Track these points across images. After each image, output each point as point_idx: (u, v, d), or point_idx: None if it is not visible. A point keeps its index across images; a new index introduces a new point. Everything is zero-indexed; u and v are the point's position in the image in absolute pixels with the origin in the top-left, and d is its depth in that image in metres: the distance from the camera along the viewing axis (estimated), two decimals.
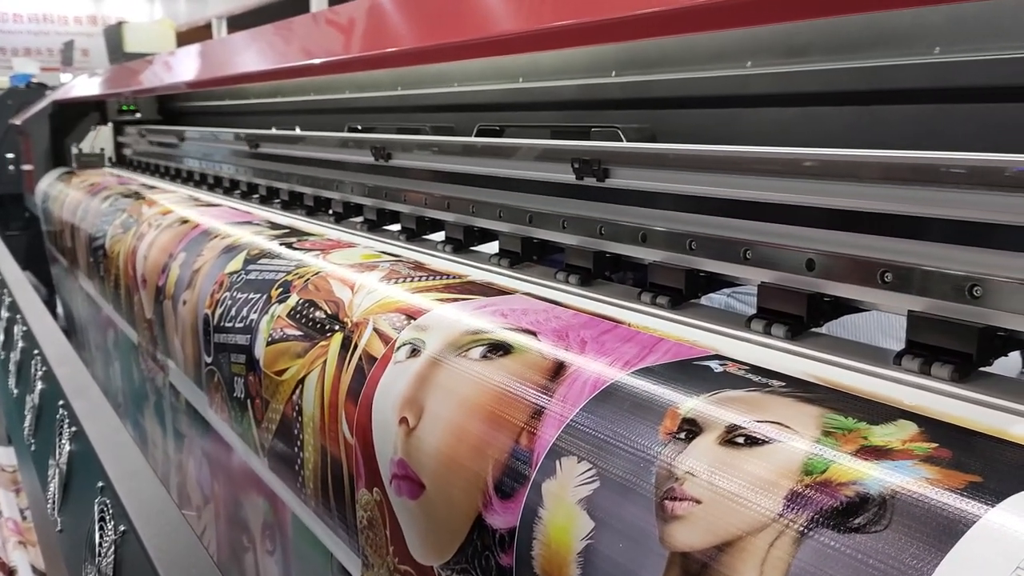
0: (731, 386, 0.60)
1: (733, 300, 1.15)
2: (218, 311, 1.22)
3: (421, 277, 1.01)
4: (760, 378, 0.61)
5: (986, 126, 0.82)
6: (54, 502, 1.15)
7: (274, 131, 1.98)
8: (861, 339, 1.03)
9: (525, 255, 1.10)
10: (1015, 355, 0.64)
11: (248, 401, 1.11)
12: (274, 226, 1.52)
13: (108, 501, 0.89)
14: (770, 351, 0.72)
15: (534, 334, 0.75)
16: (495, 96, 1.54)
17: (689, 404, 0.58)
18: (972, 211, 0.62)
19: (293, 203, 1.82)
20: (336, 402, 0.88)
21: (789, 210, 0.76)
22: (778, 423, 0.53)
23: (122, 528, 0.83)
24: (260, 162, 1.98)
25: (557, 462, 0.61)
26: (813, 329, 0.74)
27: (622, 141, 1.06)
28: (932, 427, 0.51)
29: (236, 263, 1.29)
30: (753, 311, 0.78)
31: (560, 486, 0.60)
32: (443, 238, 1.26)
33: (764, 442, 0.52)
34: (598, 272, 0.98)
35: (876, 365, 0.66)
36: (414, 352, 0.81)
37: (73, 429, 1.12)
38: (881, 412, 0.54)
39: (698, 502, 0.51)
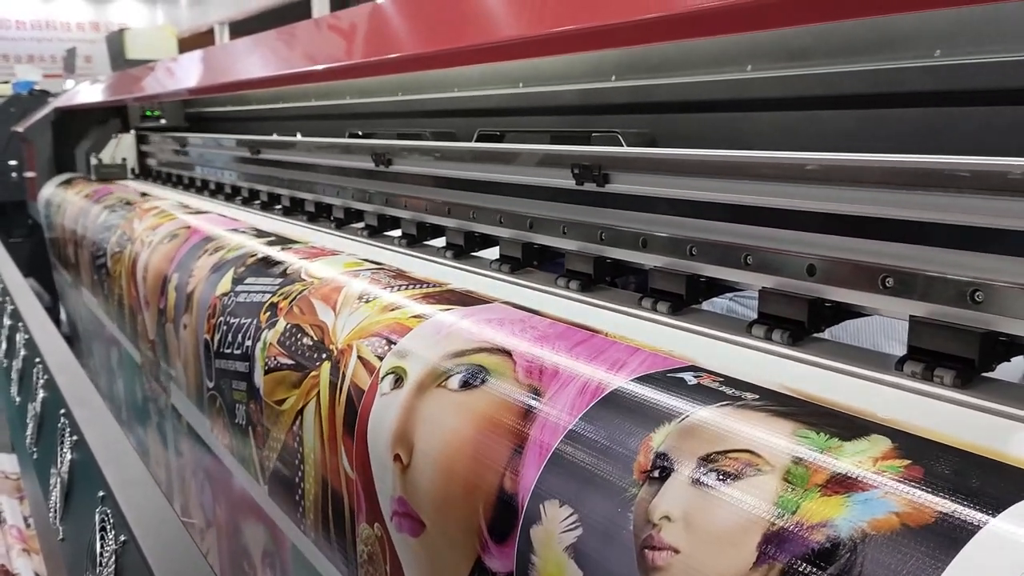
0: (703, 402, 0.59)
1: (735, 304, 1.15)
2: (216, 336, 1.22)
3: (401, 287, 1.00)
4: (734, 391, 0.60)
5: (988, 129, 0.81)
6: (56, 511, 1.14)
7: (275, 137, 1.98)
8: (863, 341, 1.03)
9: (526, 261, 1.09)
10: (1018, 360, 0.63)
11: (249, 428, 1.11)
12: (258, 234, 1.51)
13: (109, 510, 0.89)
14: (771, 357, 0.71)
15: (509, 353, 0.75)
16: (495, 101, 1.54)
17: (661, 433, 0.57)
18: (974, 216, 0.61)
19: (295, 209, 1.82)
20: (335, 435, 0.87)
21: (790, 215, 0.75)
22: (749, 451, 0.52)
23: (122, 538, 0.83)
24: (269, 168, 1.99)
25: (541, 506, 0.61)
26: (815, 334, 0.74)
27: (622, 146, 1.06)
28: (906, 441, 0.50)
29: (225, 284, 1.28)
30: (755, 314, 0.78)
31: (547, 532, 0.60)
32: (444, 244, 1.25)
33: (735, 478, 0.51)
34: (599, 277, 0.97)
35: (878, 371, 0.65)
36: (397, 382, 0.81)
37: (74, 438, 1.12)
38: (855, 426, 0.53)
39: (676, 551, 0.51)
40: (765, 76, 1.02)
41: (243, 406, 1.12)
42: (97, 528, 0.91)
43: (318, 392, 0.91)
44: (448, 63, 1.13)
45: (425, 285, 1.00)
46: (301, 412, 0.95)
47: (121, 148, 3.17)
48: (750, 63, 1.04)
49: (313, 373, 0.93)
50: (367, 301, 0.97)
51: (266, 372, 1.04)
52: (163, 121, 3.21)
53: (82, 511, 1.02)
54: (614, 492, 0.56)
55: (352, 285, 1.04)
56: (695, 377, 0.64)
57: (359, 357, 0.87)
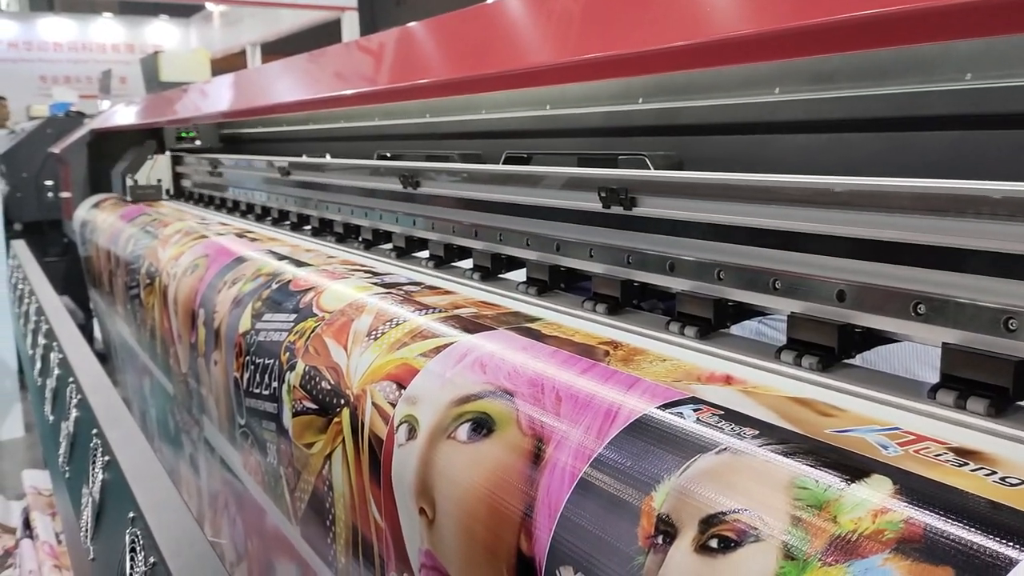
0: (702, 448, 0.58)
1: (763, 326, 1.14)
2: (245, 375, 1.22)
3: (407, 315, 0.99)
4: (733, 426, 0.59)
5: (1020, 153, 0.80)
6: (87, 530, 1.16)
7: (304, 159, 2.00)
8: (895, 364, 1.02)
9: (553, 283, 1.09)
10: None
11: (281, 468, 1.11)
12: (271, 258, 1.50)
13: (139, 532, 0.90)
14: (800, 383, 0.71)
15: (511, 395, 0.74)
16: (522, 123, 1.55)
17: (662, 492, 0.56)
18: (1007, 242, 0.60)
19: (323, 230, 1.84)
20: (363, 483, 0.87)
21: (819, 239, 0.75)
22: (749, 510, 0.51)
23: (152, 560, 0.84)
24: (295, 189, 2.01)
25: (558, 571, 0.60)
26: (845, 360, 0.73)
27: (649, 169, 1.06)
28: (907, 484, 0.48)
29: (246, 321, 1.28)
30: (782, 336, 0.77)
31: None
32: (471, 266, 1.26)
33: (737, 545, 0.50)
34: (626, 301, 0.97)
35: (910, 399, 0.64)
36: (411, 433, 0.81)
37: (106, 459, 1.13)
38: (854, 467, 0.51)
39: None
40: (793, 99, 1.01)
41: (274, 446, 1.13)
42: (127, 549, 0.91)
43: (343, 439, 0.92)
44: (478, 89, 1.14)
45: (430, 310, 0.99)
46: (330, 457, 0.95)
47: (157, 169, 3.19)
48: (778, 85, 1.03)
49: (336, 420, 0.94)
50: (375, 339, 0.97)
51: (294, 415, 1.04)
52: (198, 142, 3.21)
53: (113, 531, 1.03)
54: (622, 560, 0.55)
55: (361, 320, 1.03)
56: (694, 411, 0.62)
57: (374, 404, 0.87)
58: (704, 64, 0.72)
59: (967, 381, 0.62)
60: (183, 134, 3.22)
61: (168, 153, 3.23)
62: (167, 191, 3.20)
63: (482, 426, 0.74)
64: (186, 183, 3.15)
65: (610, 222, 1.00)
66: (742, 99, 1.08)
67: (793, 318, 0.76)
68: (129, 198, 3.07)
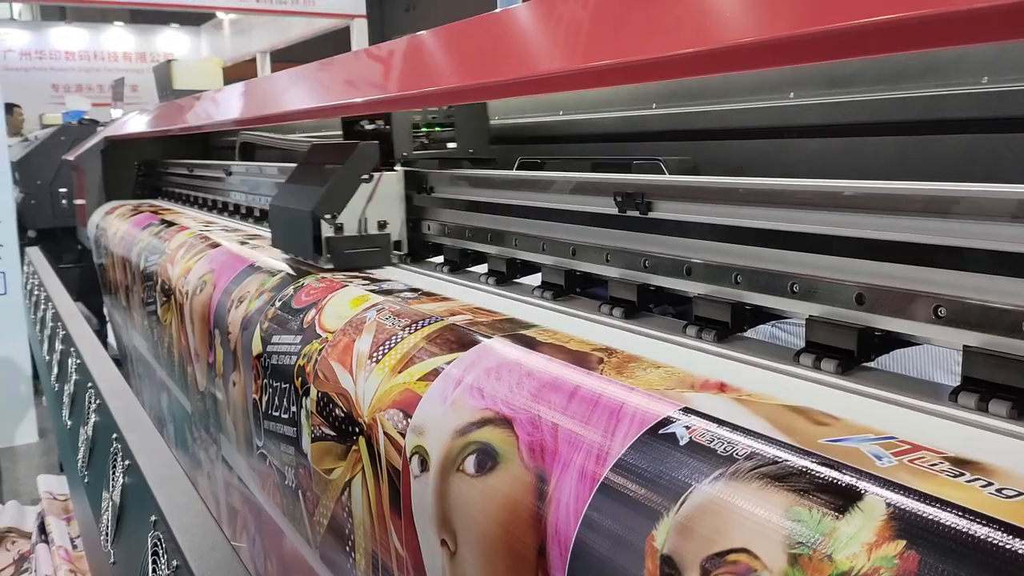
0: (696, 477, 0.57)
1: (776, 330, 1.14)
2: (264, 398, 1.22)
3: (403, 331, 0.98)
4: (725, 447, 0.58)
5: None
6: (107, 535, 1.17)
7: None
8: (910, 368, 1.02)
9: (568, 288, 1.10)
10: None
11: (299, 492, 1.11)
12: (270, 272, 1.48)
13: (161, 535, 0.90)
14: (820, 387, 0.71)
15: (511, 424, 0.74)
16: (536, 129, 1.55)
17: (663, 529, 0.56)
18: None
19: None
20: (383, 512, 0.88)
21: (837, 242, 0.75)
22: (746, 551, 0.50)
23: (175, 563, 0.84)
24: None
25: None
26: (864, 363, 0.73)
27: (664, 173, 1.06)
28: (899, 505, 0.47)
29: (257, 344, 1.27)
30: (797, 340, 0.77)
31: None
32: (486, 271, 1.26)
33: None
34: (642, 305, 0.98)
35: (931, 402, 0.64)
36: (423, 465, 0.81)
37: (127, 463, 1.14)
38: (848, 489, 0.50)
39: None
40: (808, 103, 1.01)
41: (292, 470, 1.13)
42: (149, 552, 0.92)
43: (363, 467, 0.92)
44: (488, 96, 1.15)
45: (426, 322, 0.99)
46: (349, 484, 0.95)
47: (379, 201, 1.47)
48: (793, 89, 1.04)
49: (355, 447, 0.94)
50: (377, 361, 0.97)
51: (312, 440, 1.05)
52: (451, 145, 1.59)
53: (134, 535, 1.04)
54: None
55: (361, 340, 1.03)
56: (686, 430, 0.62)
57: (385, 434, 0.87)
58: (718, 70, 0.72)
59: (989, 384, 0.62)
60: (425, 128, 1.59)
61: (401, 169, 1.50)
62: (398, 245, 1.49)
63: (487, 458, 0.74)
64: (430, 227, 1.48)
65: (626, 226, 1.00)
66: (757, 103, 1.09)
67: (812, 321, 0.76)
68: (328, 263, 1.41)
